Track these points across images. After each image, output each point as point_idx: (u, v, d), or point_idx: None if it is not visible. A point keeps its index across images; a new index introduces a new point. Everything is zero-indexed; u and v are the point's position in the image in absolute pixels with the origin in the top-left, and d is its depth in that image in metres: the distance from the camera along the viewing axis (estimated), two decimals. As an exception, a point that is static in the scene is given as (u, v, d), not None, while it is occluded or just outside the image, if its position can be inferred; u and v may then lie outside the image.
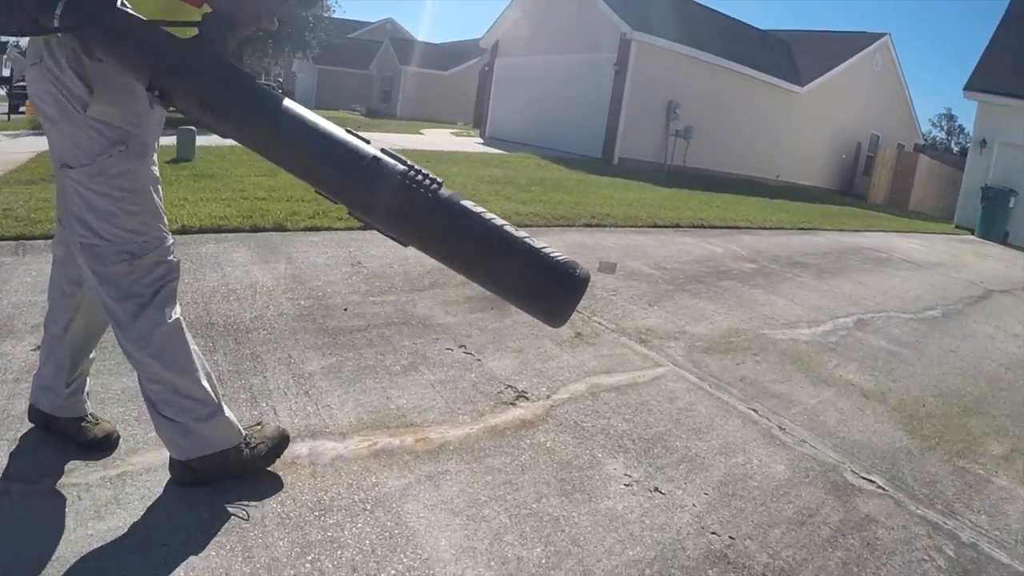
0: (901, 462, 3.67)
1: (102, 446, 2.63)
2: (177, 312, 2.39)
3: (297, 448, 2.76)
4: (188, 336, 2.42)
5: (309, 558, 2.17)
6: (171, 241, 2.43)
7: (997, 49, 22.68)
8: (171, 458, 2.46)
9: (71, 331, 2.57)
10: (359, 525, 2.36)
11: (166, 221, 2.44)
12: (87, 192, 2.25)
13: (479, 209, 1.83)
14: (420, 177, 1.81)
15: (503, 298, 1.94)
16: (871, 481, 3.38)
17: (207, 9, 2.06)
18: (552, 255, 1.80)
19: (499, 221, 1.83)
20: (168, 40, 1.99)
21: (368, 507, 2.47)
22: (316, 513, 2.39)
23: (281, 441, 2.64)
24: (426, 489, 2.64)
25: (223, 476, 2.48)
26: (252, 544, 2.20)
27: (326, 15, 37.31)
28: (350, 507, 2.45)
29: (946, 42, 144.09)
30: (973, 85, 21.87)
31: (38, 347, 2.75)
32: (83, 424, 2.66)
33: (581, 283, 1.81)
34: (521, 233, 1.83)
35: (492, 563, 2.29)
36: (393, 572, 2.17)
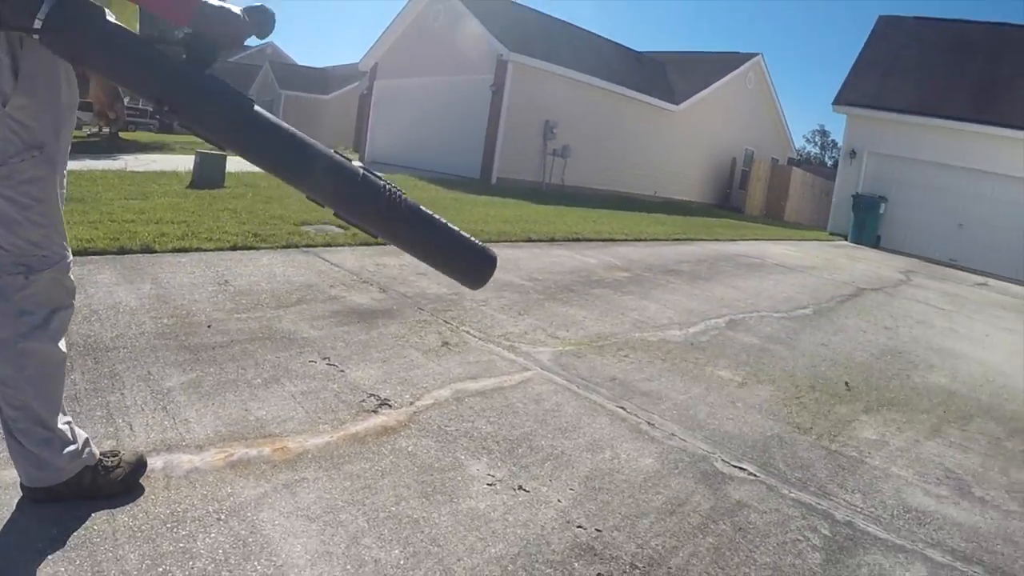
0: (773, 449, 3.77)
1: None
2: (64, 346, 2.31)
3: (152, 462, 2.68)
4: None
5: (160, 570, 2.11)
6: (71, 260, 2.36)
7: (864, 65, 23.85)
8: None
9: None
10: (212, 535, 2.31)
11: (67, 239, 2.35)
12: None
13: (430, 211, 2.29)
14: (393, 188, 2.20)
15: (444, 272, 2.42)
16: (742, 469, 3.46)
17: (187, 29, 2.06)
18: (475, 241, 2.37)
19: (443, 219, 2.31)
20: (169, 58, 2.04)
21: (222, 517, 2.41)
22: (169, 525, 2.33)
23: (138, 466, 2.56)
24: (282, 497, 2.59)
25: (77, 497, 2.39)
26: (102, 559, 2.13)
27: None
28: (203, 518, 2.39)
29: (819, 61, 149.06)
30: (842, 99, 22.92)
31: None
32: None
33: (495, 260, 2.41)
34: (456, 227, 2.34)
35: (348, 566, 2.26)
36: (246, 580, 2.13)
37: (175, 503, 2.46)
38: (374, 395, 3.62)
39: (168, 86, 2.00)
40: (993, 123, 19.89)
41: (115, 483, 2.47)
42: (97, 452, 2.46)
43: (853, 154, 22.55)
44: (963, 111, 20.58)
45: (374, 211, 2.17)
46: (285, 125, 2.13)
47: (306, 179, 2.17)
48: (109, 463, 2.48)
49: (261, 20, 2.11)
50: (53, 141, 2.21)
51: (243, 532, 2.35)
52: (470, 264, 2.38)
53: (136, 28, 2.24)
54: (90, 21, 1.94)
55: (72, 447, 2.34)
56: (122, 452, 2.58)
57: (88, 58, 2.00)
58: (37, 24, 1.86)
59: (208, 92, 2.04)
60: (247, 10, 2.10)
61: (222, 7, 2.04)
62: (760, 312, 7.15)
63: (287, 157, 2.12)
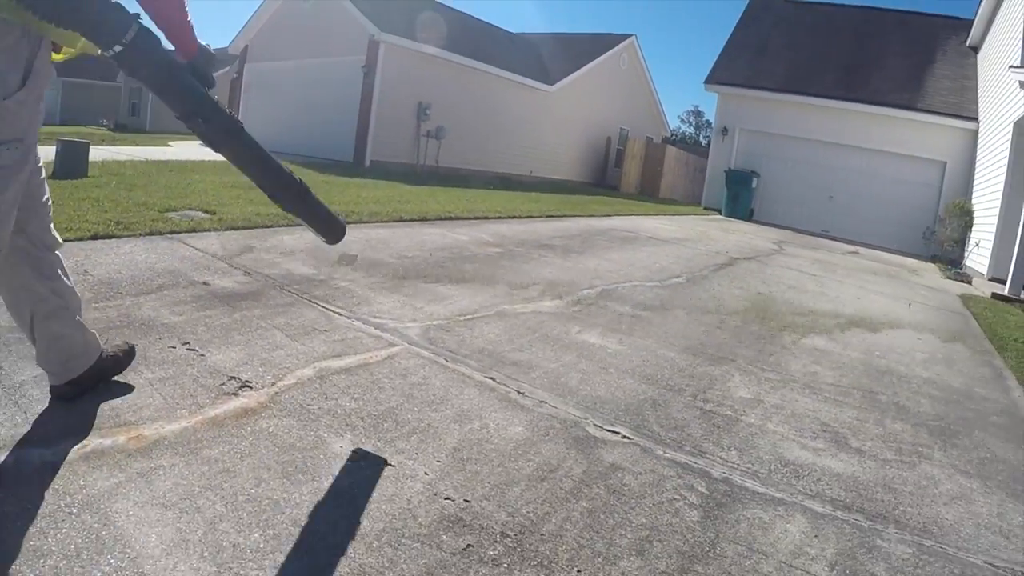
0: (646, 412, 3.82)
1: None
2: None
3: (2, 458, 2.59)
4: None
5: (10, 570, 2.03)
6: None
7: (735, 46, 24.61)
8: None
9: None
10: (64, 531, 2.23)
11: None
12: None
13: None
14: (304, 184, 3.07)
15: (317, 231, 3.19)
16: (615, 432, 3.50)
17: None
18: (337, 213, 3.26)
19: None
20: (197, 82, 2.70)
21: (74, 511, 2.34)
22: (19, 524, 2.24)
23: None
24: (137, 487, 2.52)
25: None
26: (-57, 561, 2.04)
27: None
28: (55, 513, 2.31)
29: (692, 44, 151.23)
30: (713, 78, 23.60)
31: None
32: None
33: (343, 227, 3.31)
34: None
35: (206, 553, 2.21)
36: (100, 574, 2.07)
37: (25, 499, 2.37)
38: (235, 378, 3.55)
39: (203, 105, 2.67)
40: (860, 100, 20.76)
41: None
42: None
43: (725, 131, 23.12)
44: (832, 89, 21.43)
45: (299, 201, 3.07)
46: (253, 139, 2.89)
47: (267, 177, 2.95)
48: None
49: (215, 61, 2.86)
50: (32, 134, 2.54)
51: (96, 525, 2.28)
52: (337, 225, 3.25)
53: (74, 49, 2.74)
54: (156, 50, 2.52)
55: None
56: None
57: (146, 77, 2.54)
58: (118, 49, 2.41)
59: (218, 110, 2.73)
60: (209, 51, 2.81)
61: (209, 49, 2.79)
62: (633, 282, 7.25)
63: (254, 155, 2.90)
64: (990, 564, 2.83)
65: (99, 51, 2.51)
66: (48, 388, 3.12)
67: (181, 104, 2.64)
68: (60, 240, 3.08)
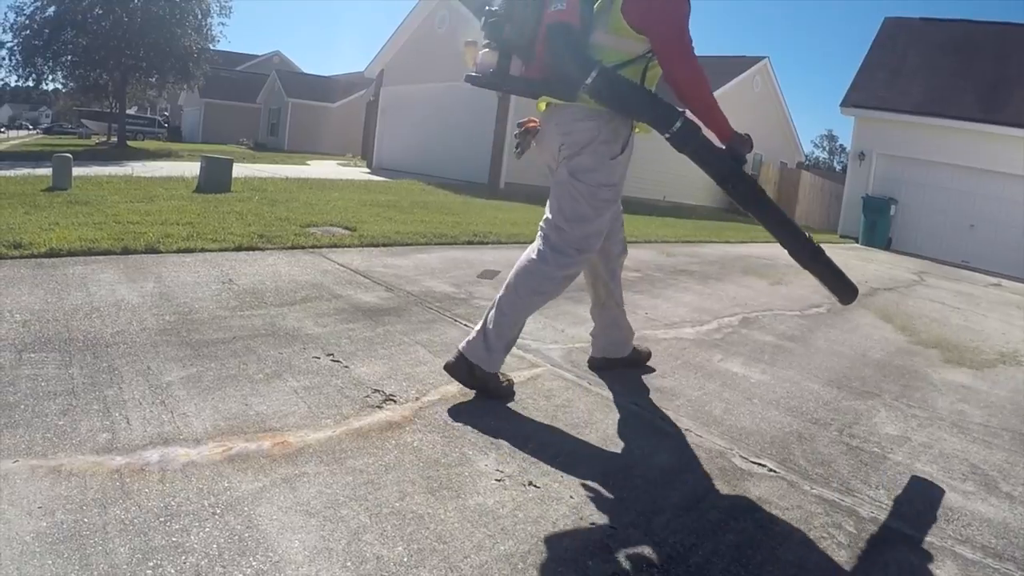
0: (792, 445, 3.65)
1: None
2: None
3: (147, 455, 2.62)
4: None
5: (151, 564, 2.02)
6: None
7: (871, 67, 23.74)
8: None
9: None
10: (207, 529, 2.22)
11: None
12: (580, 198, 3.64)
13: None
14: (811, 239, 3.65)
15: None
16: (761, 465, 3.35)
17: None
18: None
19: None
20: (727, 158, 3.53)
21: (218, 511, 2.32)
22: (162, 519, 2.24)
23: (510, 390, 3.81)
24: (281, 492, 2.50)
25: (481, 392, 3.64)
26: (91, 552, 2.04)
27: (210, 45, 37.00)
28: (198, 512, 2.30)
29: (825, 65, 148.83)
30: (849, 101, 22.83)
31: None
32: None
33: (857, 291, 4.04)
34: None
35: (349, 563, 2.16)
36: (240, 575, 2.03)
37: (169, 496, 2.37)
38: (379, 390, 3.52)
39: (732, 174, 3.51)
40: (1001, 123, 19.76)
41: (507, 392, 3.73)
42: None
43: (862, 156, 22.43)
44: (971, 111, 20.46)
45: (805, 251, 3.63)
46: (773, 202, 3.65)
47: (783, 234, 3.62)
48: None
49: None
50: (622, 182, 3.84)
51: (239, 527, 2.26)
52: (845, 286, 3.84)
53: None
54: (695, 136, 3.45)
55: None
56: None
57: (689, 153, 3.51)
58: (667, 135, 3.47)
59: (744, 179, 3.54)
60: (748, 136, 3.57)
61: (744, 136, 3.55)
62: (774, 311, 7.04)
63: (773, 216, 3.61)
64: None
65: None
66: (189, 390, 3.12)
67: (715, 173, 3.51)
68: (626, 246, 4.40)
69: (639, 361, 4.55)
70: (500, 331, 3.58)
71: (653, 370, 4.49)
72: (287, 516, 2.36)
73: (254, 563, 2.09)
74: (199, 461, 2.63)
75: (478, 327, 3.63)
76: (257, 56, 64.35)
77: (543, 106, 3.68)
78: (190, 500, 2.37)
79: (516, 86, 3.59)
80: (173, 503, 2.34)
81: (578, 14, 3.34)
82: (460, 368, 3.58)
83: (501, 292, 3.67)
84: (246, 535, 2.22)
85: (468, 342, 3.60)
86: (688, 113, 3.44)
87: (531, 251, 3.76)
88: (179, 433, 2.83)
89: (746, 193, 3.52)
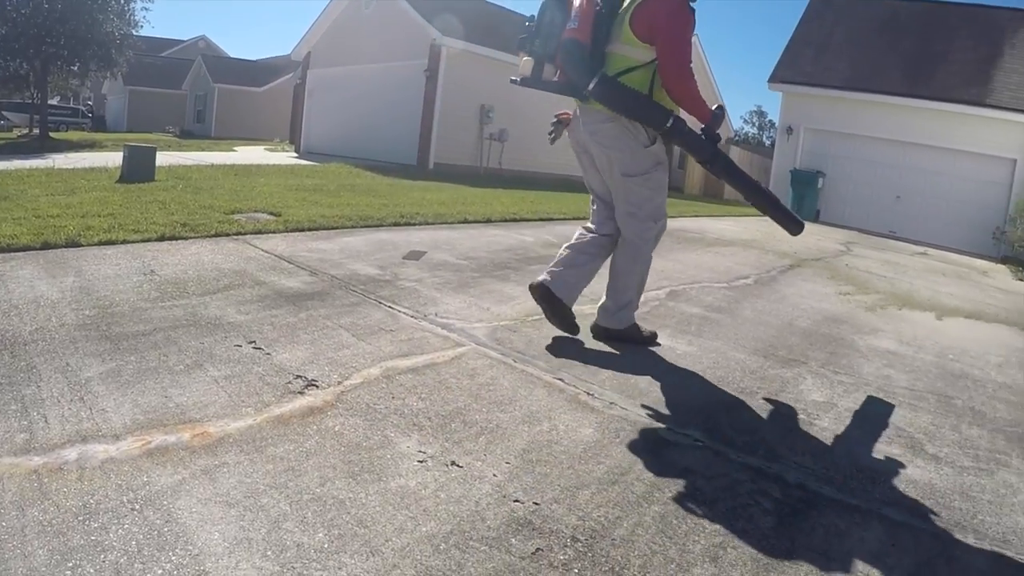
0: (718, 415, 3.71)
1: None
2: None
3: (66, 454, 2.58)
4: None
5: (70, 565, 2.00)
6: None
7: (798, 43, 24.09)
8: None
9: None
10: (126, 526, 2.20)
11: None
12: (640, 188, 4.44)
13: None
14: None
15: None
16: (687, 435, 3.39)
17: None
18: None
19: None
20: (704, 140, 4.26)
21: (137, 507, 2.30)
22: (81, 518, 2.21)
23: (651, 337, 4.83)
24: (201, 483, 2.48)
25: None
26: (9, 556, 2.02)
27: (133, 31, 36.12)
28: (117, 508, 2.28)
29: (754, 45, 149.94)
30: (777, 77, 23.12)
31: None
32: None
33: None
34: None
35: (269, 552, 2.16)
36: (160, 571, 2.02)
37: (88, 495, 2.35)
38: (301, 376, 3.51)
39: (709, 154, 4.20)
40: (926, 97, 20.18)
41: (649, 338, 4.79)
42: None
43: (790, 130, 22.71)
44: (897, 86, 20.86)
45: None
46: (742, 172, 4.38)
47: (747, 191, 4.33)
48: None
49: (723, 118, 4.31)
50: (664, 162, 4.51)
51: (158, 522, 2.24)
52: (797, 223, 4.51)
53: None
54: (683, 131, 4.19)
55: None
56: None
57: (679, 144, 4.28)
58: (661, 130, 4.23)
59: (719, 155, 4.23)
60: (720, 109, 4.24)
61: (721, 110, 4.24)
62: (701, 283, 7.12)
63: (744, 182, 4.32)
64: (1075, 577, 2.68)
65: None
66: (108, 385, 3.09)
67: (698, 157, 4.25)
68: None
69: (645, 340, 4.82)
70: (630, 294, 4.73)
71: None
72: (206, 508, 2.35)
73: (173, 558, 2.08)
74: (118, 457, 2.60)
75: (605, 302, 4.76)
76: (182, 41, 63.08)
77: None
78: (109, 497, 2.34)
79: (550, 87, 4.35)
80: (92, 501, 2.31)
81: (589, 32, 4.11)
82: (600, 333, 4.73)
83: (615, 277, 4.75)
84: (165, 529, 2.21)
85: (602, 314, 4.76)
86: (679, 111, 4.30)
87: (619, 247, 4.73)
88: (98, 429, 2.80)
89: (723, 168, 4.27)
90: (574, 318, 4.63)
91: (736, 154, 34.09)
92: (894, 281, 9.54)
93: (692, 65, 4.24)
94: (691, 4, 4.21)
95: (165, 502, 2.35)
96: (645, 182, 4.42)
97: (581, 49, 4.11)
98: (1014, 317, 8.04)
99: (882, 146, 21.16)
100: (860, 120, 21.26)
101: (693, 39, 4.28)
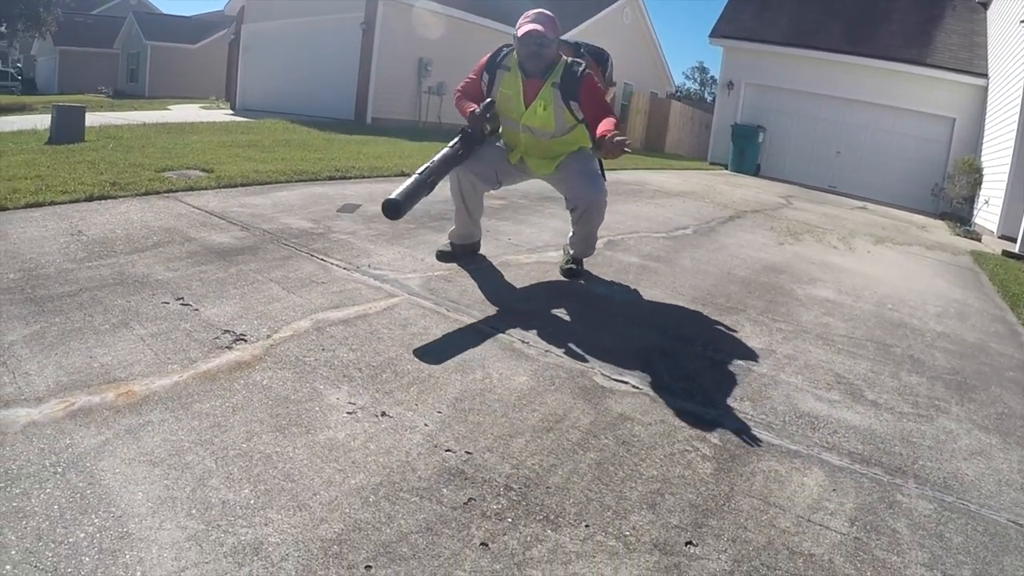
0: (655, 362, 3.73)
1: None
2: None
3: (-13, 420, 2.51)
4: None
5: (-11, 534, 1.95)
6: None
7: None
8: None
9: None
10: (48, 490, 2.16)
11: None
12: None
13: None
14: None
15: None
16: (624, 382, 3.40)
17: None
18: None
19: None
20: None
21: (59, 470, 2.26)
22: (1, 484, 2.16)
23: None
24: (124, 443, 2.44)
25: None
26: (-76, 527, 1.96)
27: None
28: (39, 473, 2.24)
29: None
30: (718, 32, 23.22)
31: None
32: None
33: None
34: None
35: (194, 511, 2.13)
36: (83, 535, 1.98)
37: (9, 460, 2.29)
38: (229, 331, 3.46)
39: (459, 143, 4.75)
40: (867, 55, 20.39)
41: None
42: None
43: (731, 85, 22.79)
44: (838, 43, 21.06)
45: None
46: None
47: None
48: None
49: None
50: None
51: (81, 484, 2.20)
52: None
53: None
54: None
55: None
56: None
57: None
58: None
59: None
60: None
61: (477, 108, 4.76)
62: (640, 233, 7.14)
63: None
64: (1014, 523, 2.73)
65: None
66: (32, 348, 3.03)
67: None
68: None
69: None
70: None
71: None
72: (130, 468, 2.31)
73: (96, 520, 2.05)
74: (40, 420, 2.55)
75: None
76: (112, -1, 61.61)
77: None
78: (31, 462, 2.30)
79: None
80: (13, 467, 2.26)
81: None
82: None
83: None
84: (88, 492, 2.17)
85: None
86: None
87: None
88: (20, 393, 2.73)
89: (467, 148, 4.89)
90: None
91: (678, 108, 34.14)
92: (833, 235, 9.63)
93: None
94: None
95: (88, 464, 2.31)
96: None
97: None
98: (950, 274, 8.17)
99: (823, 102, 21.35)
100: (801, 76, 21.41)
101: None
